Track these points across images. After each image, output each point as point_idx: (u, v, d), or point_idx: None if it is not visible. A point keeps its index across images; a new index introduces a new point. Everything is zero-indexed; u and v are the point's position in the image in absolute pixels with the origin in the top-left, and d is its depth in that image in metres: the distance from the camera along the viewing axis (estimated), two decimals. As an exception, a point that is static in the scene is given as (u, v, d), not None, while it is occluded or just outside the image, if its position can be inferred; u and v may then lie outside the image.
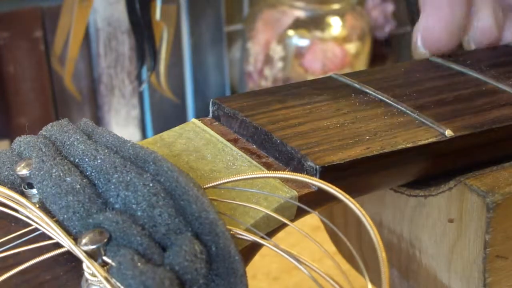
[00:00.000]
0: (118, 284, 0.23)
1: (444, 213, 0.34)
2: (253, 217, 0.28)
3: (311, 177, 0.28)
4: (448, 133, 0.33)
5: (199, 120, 0.34)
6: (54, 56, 0.83)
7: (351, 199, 0.26)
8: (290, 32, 1.13)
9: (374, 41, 1.23)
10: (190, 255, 0.23)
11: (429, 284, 0.37)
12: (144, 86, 1.01)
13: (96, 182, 0.27)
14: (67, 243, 0.24)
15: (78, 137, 0.29)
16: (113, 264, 0.23)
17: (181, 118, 1.16)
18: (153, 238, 0.24)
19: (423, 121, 0.33)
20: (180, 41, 1.18)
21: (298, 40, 1.13)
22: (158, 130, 1.07)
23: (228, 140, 0.33)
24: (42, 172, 0.27)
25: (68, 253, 0.25)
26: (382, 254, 0.24)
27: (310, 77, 1.11)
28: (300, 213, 0.29)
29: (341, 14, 1.13)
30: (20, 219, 0.26)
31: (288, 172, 0.30)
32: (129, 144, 0.28)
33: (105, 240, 0.24)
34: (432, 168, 0.34)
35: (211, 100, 0.35)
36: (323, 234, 0.43)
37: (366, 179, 0.32)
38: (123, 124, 1.03)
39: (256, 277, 0.62)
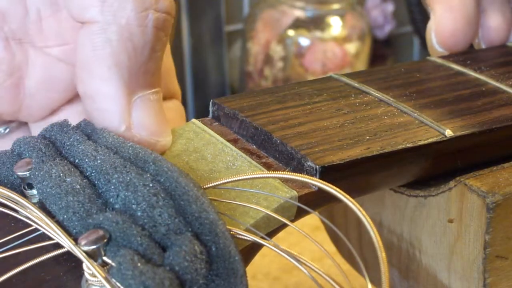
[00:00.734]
0: (118, 284, 0.23)
1: (444, 213, 0.34)
2: (253, 217, 0.28)
3: (311, 177, 0.28)
4: (448, 133, 0.33)
5: (199, 120, 0.34)
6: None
7: (351, 199, 0.26)
8: (290, 32, 1.13)
9: (374, 41, 1.23)
10: (190, 256, 0.23)
11: (429, 284, 0.37)
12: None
13: (96, 182, 0.27)
14: (67, 244, 0.24)
15: (78, 137, 0.29)
16: (113, 264, 0.23)
17: (181, 118, 1.16)
18: (153, 238, 0.24)
19: (423, 121, 0.33)
20: (180, 41, 1.18)
21: (298, 40, 1.13)
22: (158, 130, 1.07)
23: (228, 140, 0.33)
24: (42, 173, 0.27)
25: (68, 253, 0.25)
26: (382, 254, 0.24)
27: (310, 77, 1.11)
28: (300, 213, 0.29)
29: (341, 14, 1.13)
30: (20, 220, 0.26)
31: (288, 172, 0.30)
32: (129, 145, 0.28)
33: (105, 240, 0.24)
34: (432, 168, 0.34)
35: (211, 100, 0.35)
36: (323, 234, 0.43)
37: (366, 179, 0.32)
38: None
39: (256, 277, 0.62)
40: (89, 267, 0.23)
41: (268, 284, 0.61)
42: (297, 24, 1.12)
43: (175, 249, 0.24)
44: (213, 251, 0.24)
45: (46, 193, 0.26)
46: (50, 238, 0.25)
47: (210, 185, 0.28)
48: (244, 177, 0.28)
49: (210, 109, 0.35)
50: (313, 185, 0.29)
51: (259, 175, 0.29)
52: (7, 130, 0.36)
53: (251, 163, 0.31)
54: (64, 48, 0.34)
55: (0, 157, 0.29)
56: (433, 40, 0.42)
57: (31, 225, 0.26)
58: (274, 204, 0.28)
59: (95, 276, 0.23)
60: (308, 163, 0.30)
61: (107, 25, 0.29)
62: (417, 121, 0.33)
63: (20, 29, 0.34)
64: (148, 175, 0.26)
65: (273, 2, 1.13)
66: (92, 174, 0.27)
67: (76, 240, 0.24)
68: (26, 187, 0.28)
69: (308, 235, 0.26)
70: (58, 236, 0.25)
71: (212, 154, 0.31)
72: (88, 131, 0.30)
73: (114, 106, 0.30)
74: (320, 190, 0.28)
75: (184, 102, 1.27)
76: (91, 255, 0.24)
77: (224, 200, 0.28)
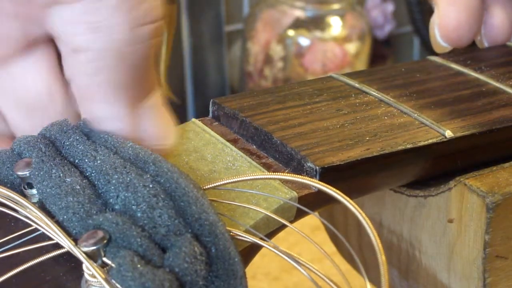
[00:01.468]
0: (118, 285, 0.23)
1: (444, 213, 0.34)
2: (253, 218, 0.28)
3: (311, 179, 0.28)
4: (448, 134, 0.33)
5: (199, 120, 0.34)
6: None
7: (350, 201, 0.26)
8: (290, 32, 1.13)
9: (374, 41, 1.23)
10: (190, 257, 0.23)
11: (428, 284, 0.37)
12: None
13: (96, 182, 0.27)
14: (67, 244, 0.24)
15: (78, 137, 0.29)
16: (113, 265, 0.23)
17: (181, 118, 1.16)
18: (153, 240, 0.24)
19: (423, 122, 0.33)
20: (180, 41, 1.18)
21: (298, 40, 1.13)
22: (158, 130, 1.07)
23: (228, 141, 0.33)
24: (42, 173, 0.27)
25: (68, 253, 0.25)
26: (382, 257, 0.24)
27: (310, 77, 1.11)
28: (300, 214, 0.29)
29: (341, 14, 1.13)
30: (20, 219, 0.26)
31: (288, 174, 0.30)
32: (129, 145, 0.28)
33: (105, 241, 0.24)
34: (432, 168, 0.33)
35: (211, 100, 0.35)
36: (323, 234, 0.43)
37: (366, 180, 0.32)
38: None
39: (256, 277, 0.62)
40: (89, 268, 0.23)
41: (268, 284, 0.61)
42: (297, 24, 1.12)
43: (175, 250, 0.24)
44: (213, 253, 0.24)
45: (46, 193, 0.26)
46: (49, 238, 0.25)
47: (210, 186, 0.28)
48: (244, 178, 0.28)
49: (210, 109, 0.35)
50: (313, 186, 0.29)
51: (258, 177, 0.29)
52: None
53: (251, 164, 0.31)
54: None
55: (0, 156, 0.29)
56: (436, 35, 0.42)
57: (30, 225, 0.26)
58: (274, 205, 0.28)
59: (94, 277, 0.23)
60: (308, 164, 0.30)
61: (101, 52, 0.28)
62: (417, 122, 0.33)
63: None
64: (148, 175, 0.26)
65: (273, 2, 1.13)
66: (92, 175, 0.27)
67: (76, 241, 0.24)
68: (26, 186, 0.28)
69: (308, 235, 0.26)
70: (58, 236, 0.25)
71: (212, 154, 0.31)
72: (87, 130, 0.30)
73: (122, 125, 0.30)
74: (320, 190, 0.28)
75: (184, 102, 1.27)
76: (91, 256, 0.24)
77: (224, 201, 0.28)
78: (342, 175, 0.30)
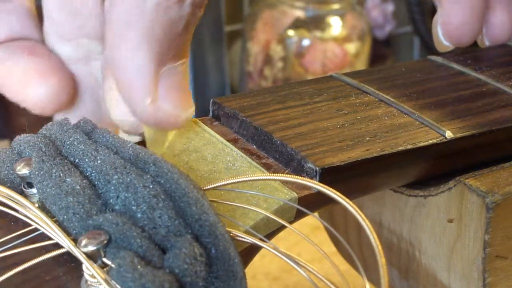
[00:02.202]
0: (118, 286, 0.23)
1: (444, 213, 0.34)
2: (252, 218, 0.28)
3: (310, 180, 0.28)
4: (448, 134, 0.33)
5: (199, 120, 0.34)
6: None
7: (350, 202, 0.26)
8: (290, 32, 1.13)
9: (374, 41, 1.23)
10: (190, 258, 0.23)
11: (428, 284, 0.37)
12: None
13: (96, 183, 0.27)
14: (67, 244, 0.24)
15: (78, 136, 0.29)
16: (113, 266, 0.23)
17: (181, 118, 1.16)
18: (153, 240, 0.24)
19: (423, 122, 0.33)
20: (180, 41, 1.18)
21: (298, 40, 1.13)
22: (158, 129, 1.07)
23: (228, 140, 0.33)
24: (42, 172, 0.27)
25: (68, 253, 0.25)
26: (381, 260, 0.24)
27: (310, 77, 1.11)
28: (300, 214, 0.29)
29: (341, 14, 1.13)
30: (20, 219, 0.26)
31: (288, 175, 0.30)
32: (129, 145, 0.28)
33: (105, 241, 0.24)
34: (432, 169, 0.33)
35: (211, 100, 0.35)
36: (323, 234, 0.43)
37: (366, 180, 0.32)
38: (123, 123, 1.03)
39: (256, 277, 0.62)
40: (88, 268, 0.23)
41: (268, 284, 0.61)
42: (297, 24, 1.12)
43: (175, 251, 0.24)
44: (213, 254, 0.24)
45: (46, 193, 0.26)
46: (49, 238, 0.25)
47: (210, 186, 0.28)
48: (244, 179, 0.28)
49: (210, 108, 0.35)
50: (313, 187, 0.29)
51: (258, 177, 0.29)
52: None
53: (251, 164, 0.31)
54: None
55: (0, 155, 0.29)
56: (439, 33, 0.42)
57: (30, 225, 0.26)
58: (274, 206, 0.28)
59: (94, 277, 0.23)
60: (308, 165, 0.30)
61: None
62: (417, 122, 0.33)
63: None
64: (148, 176, 0.26)
65: (273, 2, 1.13)
66: (92, 175, 0.27)
67: (75, 241, 0.24)
68: (26, 186, 0.28)
69: (308, 235, 0.26)
70: (58, 236, 0.25)
71: (212, 154, 0.31)
72: (87, 130, 0.30)
73: (142, 77, 0.29)
74: (320, 192, 0.28)
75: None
76: (91, 256, 0.24)
77: (224, 202, 0.28)
78: (342, 175, 0.30)
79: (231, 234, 0.25)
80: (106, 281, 0.23)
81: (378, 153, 0.31)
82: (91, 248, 0.24)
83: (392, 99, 0.35)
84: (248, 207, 0.28)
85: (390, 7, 1.30)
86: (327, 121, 0.33)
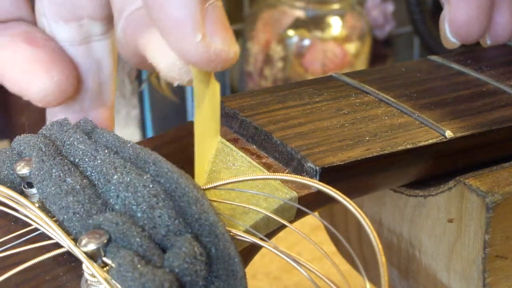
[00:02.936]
0: (118, 285, 0.23)
1: (444, 213, 0.34)
2: (252, 218, 0.28)
3: (310, 179, 0.28)
4: (448, 134, 0.33)
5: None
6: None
7: (350, 201, 0.26)
8: (290, 32, 1.13)
9: (374, 41, 1.23)
10: (190, 257, 0.23)
11: (428, 284, 0.37)
12: (144, 86, 1.01)
13: (96, 182, 0.27)
14: (67, 244, 0.24)
15: (78, 136, 0.29)
16: (113, 265, 0.23)
17: (181, 118, 1.16)
18: (153, 240, 0.24)
19: (423, 122, 0.33)
20: (180, 41, 1.18)
21: (298, 40, 1.13)
22: (158, 130, 1.07)
23: (228, 140, 0.33)
24: (42, 172, 0.27)
25: (68, 253, 0.25)
26: (382, 259, 0.24)
27: (310, 77, 1.11)
28: (300, 214, 0.29)
29: (341, 14, 1.13)
30: (20, 219, 0.26)
31: (288, 174, 0.30)
32: (129, 145, 0.28)
33: (105, 241, 0.24)
34: (432, 169, 0.33)
35: (211, 100, 0.35)
36: (323, 233, 0.43)
37: (366, 180, 0.32)
38: (123, 124, 1.03)
39: (256, 277, 0.62)
40: (89, 268, 0.23)
41: (268, 284, 0.61)
42: (297, 24, 1.12)
43: (175, 251, 0.24)
44: (213, 253, 0.24)
45: (46, 193, 0.26)
46: (50, 238, 0.25)
47: (210, 186, 0.28)
48: (244, 178, 0.28)
49: (210, 109, 0.35)
50: (313, 187, 0.29)
51: (258, 177, 0.29)
52: None
53: (251, 163, 0.31)
54: None
55: (0, 155, 0.29)
56: (446, 30, 0.42)
57: (30, 225, 0.26)
58: (274, 205, 0.28)
59: (94, 277, 0.23)
60: (308, 164, 0.30)
61: None
62: (417, 122, 0.33)
63: None
64: (148, 175, 0.26)
65: (273, 2, 1.13)
66: (92, 174, 0.27)
67: (76, 241, 0.24)
68: (26, 186, 0.28)
69: (308, 234, 0.26)
70: (58, 236, 0.25)
71: (212, 154, 0.31)
72: (87, 130, 0.30)
73: (189, 14, 0.28)
74: (320, 191, 0.28)
75: (184, 102, 1.27)
76: (91, 256, 0.24)
77: (224, 201, 0.28)
78: (342, 175, 0.30)
79: (231, 234, 0.25)
80: (106, 280, 0.23)
81: (378, 153, 0.31)
82: (91, 247, 0.24)
83: (392, 99, 0.35)
84: (248, 206, 0.28)
85: (390, 7, 1.30)
86: (327, 121, 0.33)
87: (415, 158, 0.32)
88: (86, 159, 0.28)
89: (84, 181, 0.27)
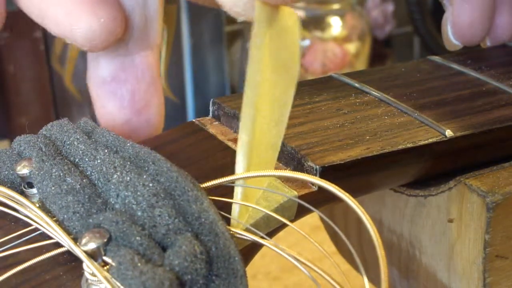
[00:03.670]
0: (118, 284, 0.23)
1: (444, 213, 0.34)
2: (253, 217, 0.28)
3: (311, 176, 0.28)
4: (448, 133, 0.33)
5: (199, 120, 0.34)
6: (54, 56, 0.83)
7: (351, 197, 0.26)
8: (290, 32, 1.13)
9: (374, 41, 1.23)
10: (190, 256, 0.23)
11: (429, 284, 0.37)
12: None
13: (96, 182, 0.27)
14: (67, 243, 0.24)
15: (78, 136, 0.29)
16: (113, 264, 0.23)
17: (181, 118, 1.16)
18: (153, 238, 0.24)
19: (423, 121, 0.33)
20: (180, 41, 1.18)
21: (298, 40, 1.13)
22: (158, 130, 1.07)
23: (228, 140, 0.33)
24: (42, 172, 0.27)
25: (68, 253, 0.25)
26: (381, 252, 0.24)
27: (310, 77, 1.11)
28: (300, 213, 0.29)
29: (341, 14, 1.13)
30: (20, 219, 0.26)
31: (288, 171, 0.30)
32: (129, 144, 0.28)
33: (105, 240, 0.24)
34: (432, 168, 0.34)
35: (211, 100, 0.35)
36: (323, 233, 0.43)
37: (366, 179, 0.32)
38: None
39: (256, 277, 0.62)
40: (89, 267, 0.23)
41: (268, 284, 0.61)
42: (297, 24, 1.12)
43: (175, 249, 0.24)
44: (213, 251, 0.24)
45: (46, 192, 0.26)
46: (50, 238, 0.25)
47: (210, 184, 0.28)
48: (243, 176, 0.28)
49: (210, 108, 0.35)
50: (313, 184, 0.29)
51: (258, 174, 0.29)
52: None
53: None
54: None
55: (0, 155, 0.29)
56: (449, 32, 0.42)
57: (31, 224, 0.26)
58: (274, 204, 0.28)
59: (95, 276, 0.23)
60: (308, 163, 0.30)
61: None
62: (417, 121, 0.33)
63: None
64: (148, 175, 0.26)
65: (273, 2, 1.13)
66: (92, 174, 0.27)
67: (76, 240, 0.24)
68: (26, 186, 0.28)
69: (308, 234, 0.26)
70: (58, 235, 0.25)
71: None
72: (88, 130, 0.30)
73: None
74: (320, 190, 0.28)
75: (184, 102, 1.27)
76: (91, 255, 0.24)
77: (224, 199, 0.28)
78: (342, 174, 0.30)
79: (231, 232, 0.25)
80: (106, 279, 0.23)
81: (378, 152, 0.31)
82: (91, 246, 0.24)
83: (392, 99, 0.35)
84: (248, 204, 0.28)
85: (390, 7, 1.30)
86: (327, 121, 0.33)
87: (415, 157, 0.32)
88: (86, 159, 0.28)
89: (84, 180, 0.27)
